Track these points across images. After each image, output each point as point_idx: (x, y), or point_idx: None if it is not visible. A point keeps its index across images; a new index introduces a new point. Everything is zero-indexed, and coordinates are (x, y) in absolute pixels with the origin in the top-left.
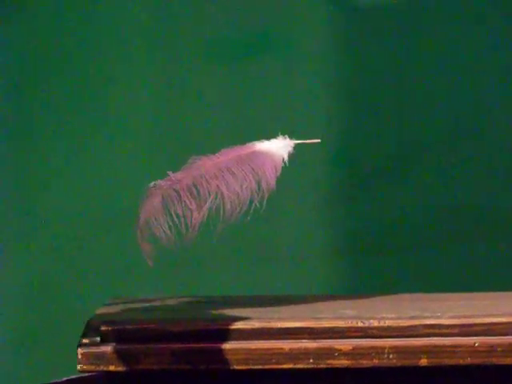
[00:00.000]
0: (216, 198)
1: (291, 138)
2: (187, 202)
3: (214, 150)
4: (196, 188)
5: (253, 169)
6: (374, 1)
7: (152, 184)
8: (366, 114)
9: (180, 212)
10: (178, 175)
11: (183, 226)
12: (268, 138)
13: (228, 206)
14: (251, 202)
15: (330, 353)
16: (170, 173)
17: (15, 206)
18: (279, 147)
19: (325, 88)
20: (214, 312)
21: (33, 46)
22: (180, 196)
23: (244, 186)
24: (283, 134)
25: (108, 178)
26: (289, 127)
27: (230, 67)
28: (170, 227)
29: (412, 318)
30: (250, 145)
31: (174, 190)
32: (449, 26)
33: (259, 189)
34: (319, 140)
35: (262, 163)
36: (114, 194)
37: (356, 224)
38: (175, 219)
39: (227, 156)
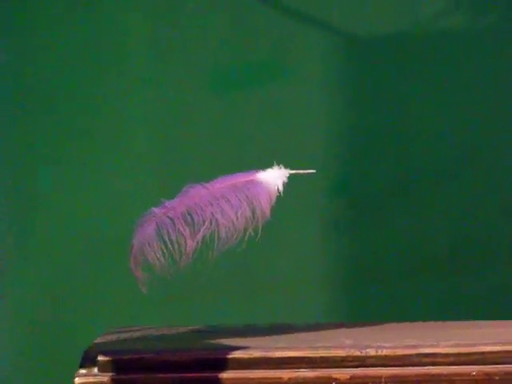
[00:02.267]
0: (210, 226)
1: (286, 167)
2: (181, 229)
3: (209, 178)
4: (190, 215)
5: (247, 197)
6: (374, 31)
7: (147, 212)
8: (363, 143)
9: (174, 239)
10: (173, 203)
11: (177, 253)
12: (264, 167)
13: (223, 234)
14: (245, 230)
15: (327, 382)
16: (164, 200)
17: (11, 237)
18: (274, 177)
19: (323, 118)
20: (212, 341)
21: (33, 78)
22: (174, 223)
23: (239, 214)
24: (279, 163)
25: (103, 207)
26: (286, 156)
27: (227, 97)
28: (163, 254)
29: (409, 346)
30: (245, 174)
31: (169, 217)
32: (447, 59)
33: (254, 217)
34: (314, 171)
35: (256, 192)
36: (109, 223)
37: (352, 252)
38: (169, 246)
39: (222, 184)
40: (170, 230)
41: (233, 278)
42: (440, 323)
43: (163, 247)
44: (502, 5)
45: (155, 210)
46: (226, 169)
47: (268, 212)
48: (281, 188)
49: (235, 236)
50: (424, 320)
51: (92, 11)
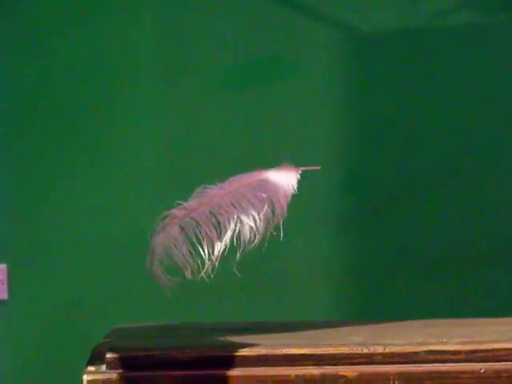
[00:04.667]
0: (236, 227)
1: (294, 164)
2: (207, 230)
3: (218, 176)
4: (215, 217)
5: (267, 196)
6: (383, 28)
7: (164, 214)
8: (370, 141)
9: (201, 241)
10: (192, 204)
11: (206, 254)
12: (272, 163)
13: (247, 234)
14: (267, 229)
15: (335, 379)
16: (180, 202)
17: (20, 238)
18: (288, 175)
19: (333, 117)
20: (220, 339)
21: (44, 90)
22: (200, 225)
23: (261, 214)
24: (287, 160)
25: (112, 209)
26: (294, 152)
27: (236, 94)
28: (192, 256)
29: (417, 344)
30: (258, 173)
31: (192, 219)
32: (454, 55)
33: (274, 216)
34: (319, 167)
35: (274, 191)
36: (122, 223)
37: (359, 250)
38: (197, 248)
39: (239, 184)
40: (197, 232)
41: (245, 276)
42: (448, 321)
43: (191, 249)
44: (508, 2)
45: (175, 211)
46: (235, 165)
47: (286, 210)
48: (295, 186)
49: (258, 235)
50: (431, 318)
51: (99, 13)
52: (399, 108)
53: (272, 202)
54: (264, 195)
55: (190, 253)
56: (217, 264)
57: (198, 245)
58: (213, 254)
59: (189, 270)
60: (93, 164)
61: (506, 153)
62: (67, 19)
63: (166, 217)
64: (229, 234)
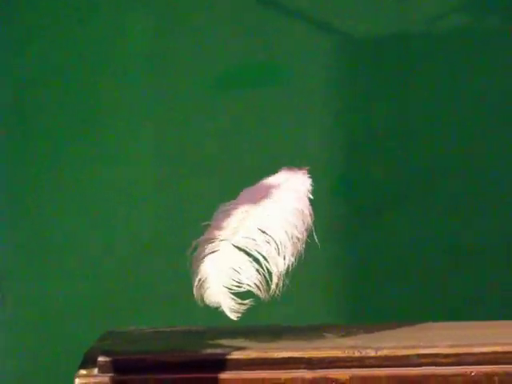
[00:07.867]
0: (293, 242)
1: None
2: (266, 248)
3: (215, 180)
4: (265, 234)
5: (297, 204)
6: (374, 32)
7: (196, 241)
8: (364, 145)
9: (266, 258)
10: (232, 223)
11: (274, 271)
12: (267, 169)
13: (299, 247)
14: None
15: (326, 383)
16: (208, 223)
17: (18, 241)
18: (302, 181)
19: (323, 119)
20: (210, 342)
21: (37, 87)
22: (258, 243)
23: (301, 224)
24: (282, 165)
25: (113, 211)
26: (286, 158)
27: (227, 99)
28: (260, 275)
29: (408, 347)
30: (271, 181)
31: (244, 237)
32: (449, 60)
33: (305, 224)
34: (308, 167)
35: (299, 197)
36: (118, 227)
37: (352, 254)
38: (264, 266)
39: (266, 199)
40: (259, 250)
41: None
42: (439, 324)
43: (258, 268)
44: (503, 5)
45: (216, 232)
46: (230, 170)
47: (313, 215)
48: (310, 190)
49: (303, 245)
50: (423, 321)
51: (93, 12)
52: (393, 113)
53: (303, 212)
54: (295, 204)
55: (258, 271)
56: (282, 281)
57: (264, 263)
58: (278, 270)
59: (262, 291)
60: (90, 168)
61: (504, 157)
62: (63, 18)
63: (199, 243)
64: (290, 247)
